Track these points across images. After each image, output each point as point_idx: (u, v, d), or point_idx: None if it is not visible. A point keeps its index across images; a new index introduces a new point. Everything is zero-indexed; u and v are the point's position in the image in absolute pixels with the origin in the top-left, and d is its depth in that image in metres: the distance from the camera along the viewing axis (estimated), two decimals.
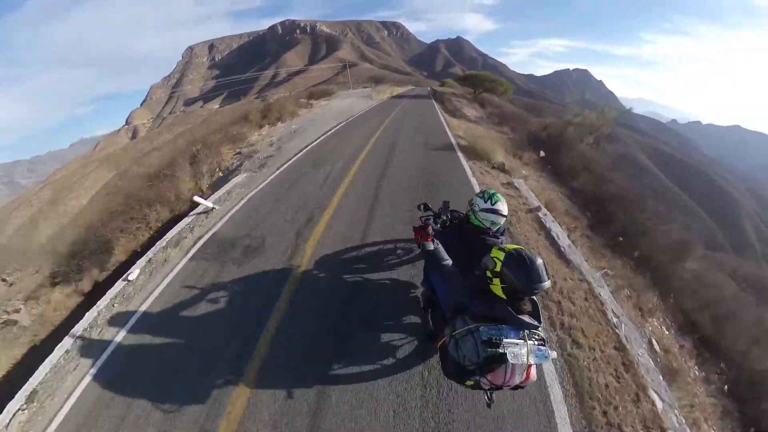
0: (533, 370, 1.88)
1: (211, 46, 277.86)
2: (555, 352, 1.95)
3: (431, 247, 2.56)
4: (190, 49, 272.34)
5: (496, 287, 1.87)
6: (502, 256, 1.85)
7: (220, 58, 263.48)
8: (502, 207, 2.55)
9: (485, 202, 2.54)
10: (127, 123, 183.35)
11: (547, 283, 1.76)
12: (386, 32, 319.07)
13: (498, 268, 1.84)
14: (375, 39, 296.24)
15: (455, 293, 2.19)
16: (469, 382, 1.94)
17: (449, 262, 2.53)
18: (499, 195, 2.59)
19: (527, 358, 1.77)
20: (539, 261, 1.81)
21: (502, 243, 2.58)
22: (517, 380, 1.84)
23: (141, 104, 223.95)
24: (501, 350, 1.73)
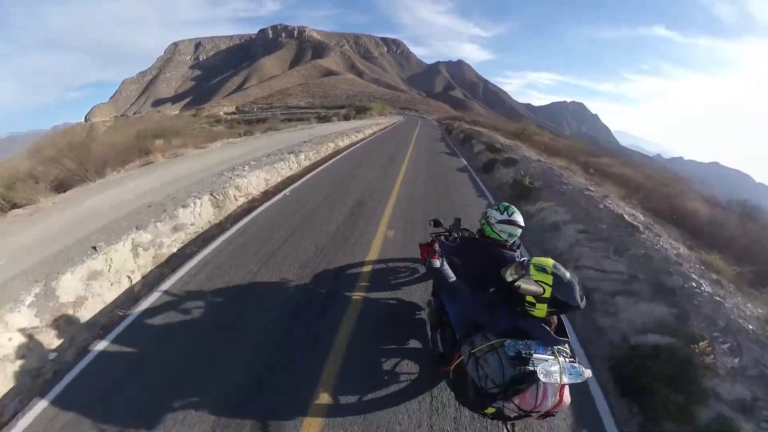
0: (567, 392, 1.62)
1: (198, 44, 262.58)
2: (589, 370, 1.64)
3: (437, 264, 2.58)
4: (174, 45, 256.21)
5: (540, 311, 1.70)
6: (550, 280, 1.68)
7: (204, 58, 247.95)
8: (519, 218, 2.42)
9: (501, 213, 2.42)
10: (86, 119, 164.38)
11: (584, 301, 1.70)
12: (385, 48, 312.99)
13: (548, 294, 1.66)
14: (373, 53, 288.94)
15: (470, 311, 2.11)
16: (490, 410, 1.72)
17: (454, 279, 2.52)
18: (513, 207, 2.47)
19: (560, 377, 1.55)
20: (573, 277, 1.71)
21: (518, 256, 2.37)
22: (549, 404, 1.57)
23: (109, 99, 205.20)
24: (531, 367, 1.54)
